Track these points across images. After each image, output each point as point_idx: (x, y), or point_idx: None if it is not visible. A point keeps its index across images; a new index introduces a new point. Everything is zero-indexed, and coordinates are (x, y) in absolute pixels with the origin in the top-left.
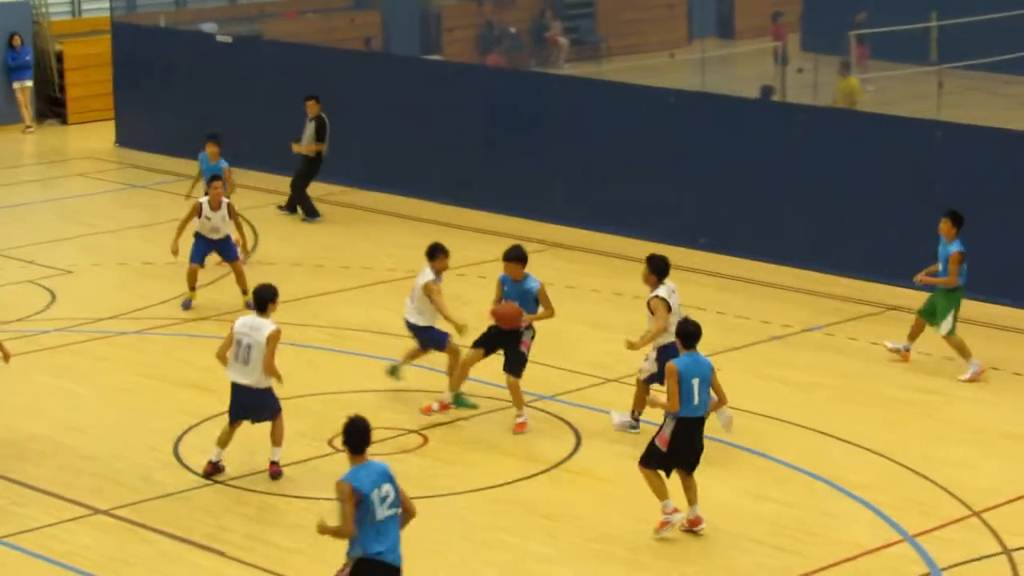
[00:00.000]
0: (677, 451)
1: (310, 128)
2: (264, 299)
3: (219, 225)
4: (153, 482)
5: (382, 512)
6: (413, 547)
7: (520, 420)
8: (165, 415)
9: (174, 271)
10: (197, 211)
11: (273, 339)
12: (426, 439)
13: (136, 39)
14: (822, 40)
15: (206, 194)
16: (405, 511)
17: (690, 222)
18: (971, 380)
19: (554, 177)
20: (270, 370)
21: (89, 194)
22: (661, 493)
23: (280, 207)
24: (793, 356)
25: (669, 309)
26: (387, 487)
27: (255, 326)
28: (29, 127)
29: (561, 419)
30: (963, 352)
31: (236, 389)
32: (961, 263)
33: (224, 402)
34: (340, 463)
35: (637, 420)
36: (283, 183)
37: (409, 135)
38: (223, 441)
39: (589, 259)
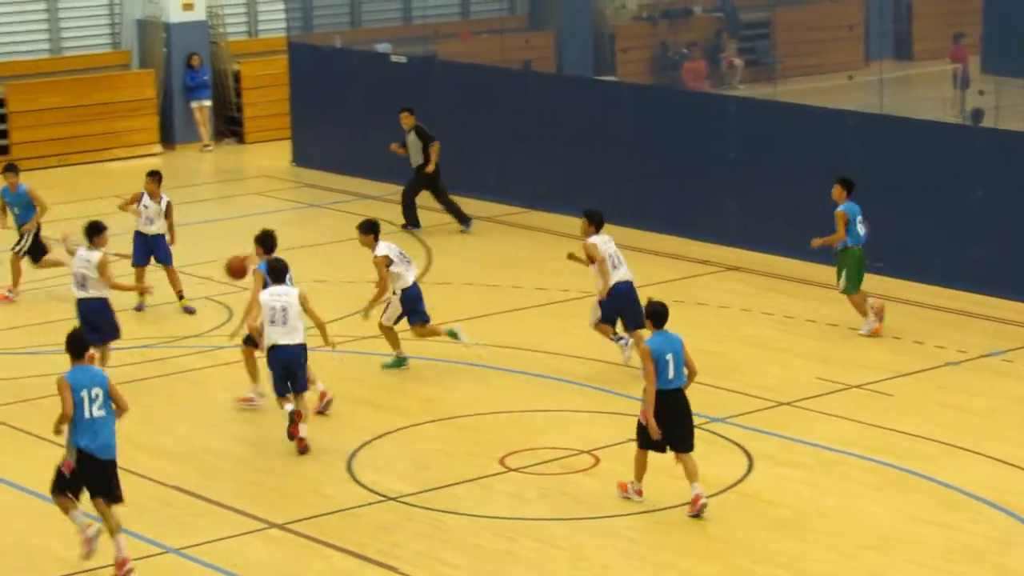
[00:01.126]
0: (669, 423)
1: (411, 139)
2: (283, 271)
3: (154, 217)
4: (326, 497)
5: (92, 411)
6: (580, 567)
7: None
8: (338, 431)
9: (349, 290)
10: (138, 199)
11: (304, 295)
12: (597, 460)
13: (312, 59)
14: (1003, 62)
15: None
16: (119, 408)
17: (867, 246)
18: (871, 335)
19: (728, 199)
20: (319, 321)
21: (265, 212)
22: (638, 473)
23: (462, 230)
24: (969, 382)
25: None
26: (97, 390)
27: (282, 292)
28: (207, 146)
29: (733, 442)
30: (861, 310)
31: (278, 352)
32: (847, 221)
33: (397, 418)
34: (513, 482)
35: (618, 336)
36: (468, 204)
37: (582, 156)
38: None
39: (762, 281)
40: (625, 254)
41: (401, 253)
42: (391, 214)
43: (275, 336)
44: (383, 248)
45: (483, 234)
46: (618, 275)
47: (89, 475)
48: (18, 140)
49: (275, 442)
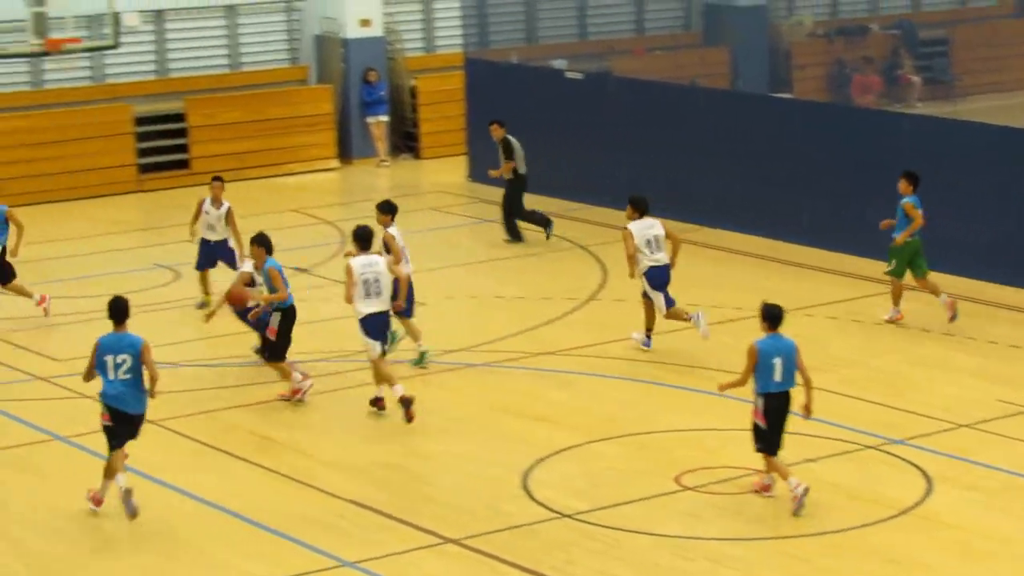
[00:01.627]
0: (775, 424)
1: (501, 152)
2: (370, 237)
3: (215, 223)
4: (501, 513)
5: (116, 374)
6: None
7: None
8: (513, 447)
9: (524, 305)
10: (199, 208)
11: (388, 261)
12: (772, 479)
13: (488, 75)
14: None
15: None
16: (150, 375)
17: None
18: (890, 321)
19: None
20: (404, 279)
21: (441, 228)
22: (784, 473)
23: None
24: None
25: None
26: (124, 356)
27: (370, 262)
28: (384, 161)
29: (911, 463)
30: (896, 296)
31: (373, 320)
32: (915, 209)
33: (572, 435)
34: (687, 501)
35: (648, 336)
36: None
37: (756, 173)
38: (379, 378)
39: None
40: (804, 273)
41: (403, 247)
42: (568, 229)
43: (371, 306)
44: (393, 230)
45: None
46: (653, 259)
47: (123, 426)
48: (197, 154)
49: (450, 458)
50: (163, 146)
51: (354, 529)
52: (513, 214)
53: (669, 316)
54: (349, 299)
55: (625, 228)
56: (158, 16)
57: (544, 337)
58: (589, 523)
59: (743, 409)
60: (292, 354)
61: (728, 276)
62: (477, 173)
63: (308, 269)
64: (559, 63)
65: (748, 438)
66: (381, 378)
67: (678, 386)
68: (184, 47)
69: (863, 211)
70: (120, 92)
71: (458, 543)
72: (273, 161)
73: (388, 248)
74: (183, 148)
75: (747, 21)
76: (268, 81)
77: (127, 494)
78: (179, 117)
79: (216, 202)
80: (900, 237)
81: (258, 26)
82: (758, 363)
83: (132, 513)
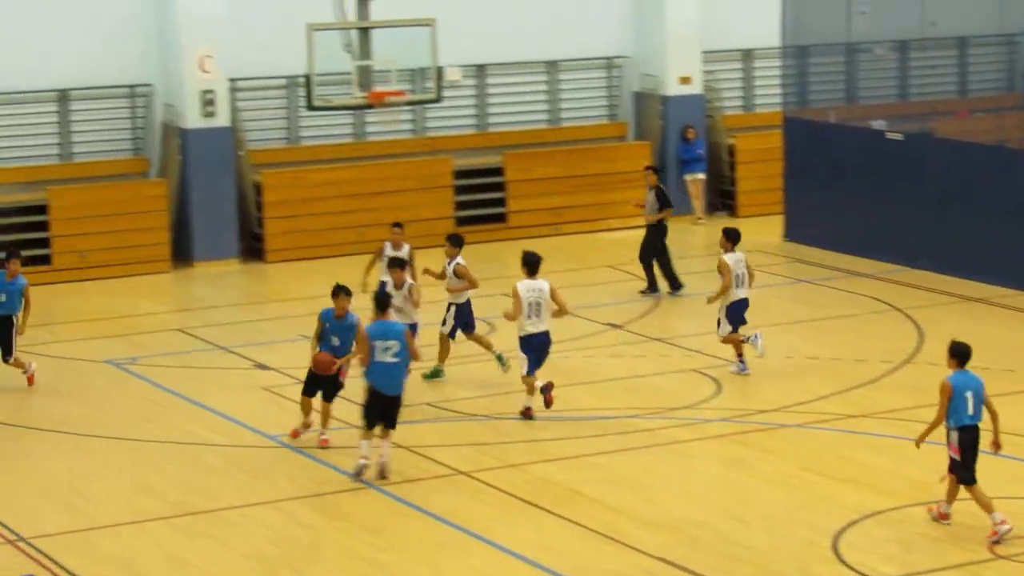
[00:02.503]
0: (968, 456)
1: (650, 197)
2: (536, 263)
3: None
4: None
5: (384, 357)
6: None
7: (323, 437)
8: (825, 509)
9: (839, 367)
10: (380, 252)
11: (553, 287)
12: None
13: (807, 134)
14: None
15: None
16: (412, 357)
17: None
18: None
19: None
20: (565, 307)
21: (757, 287)
22: (988, 507)
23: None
24: None
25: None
26: (392, 342)
27: (535, 287)
28: (700, 219)
29: None
30: None
31: (535, 339)
32: None
33: (885, 499)
34: (1003, 571)
35: (746, 337)
36: (958, 284)
37: None
38: (531, 391)
39: None
40: None
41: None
42: (884, 291)
43: (530, 327)
44: (463, 260)
45: (975, 315)
46: (741, 292)
47: (378, 406)
48: (514, 208)
49: (760, 518)
50: (481, 199)
51: None
52: (654, 260)
53: (725, 341)
54: (514, 318)
55: (722, 259)
56: (480, 71)
57: (858, 399)
58: None
59: None
60: (605, 410)
61: None
62: (794, 233)
63: (621, 326)
64: (878, 124)
65: None
66: (532, 391)
67: (994, 453)
68: (504, 102)
69: None
70: (440, 145)
71: None
72: (589, 217)
73: (460, 275)
74: (500, 202)
75: None
76: (586, 137)
77: (363, 468)
78: (497, 171)
79: (397, 246)
80: None
81: (578, 82)
82: (952, 398)
83: (356, 474)
